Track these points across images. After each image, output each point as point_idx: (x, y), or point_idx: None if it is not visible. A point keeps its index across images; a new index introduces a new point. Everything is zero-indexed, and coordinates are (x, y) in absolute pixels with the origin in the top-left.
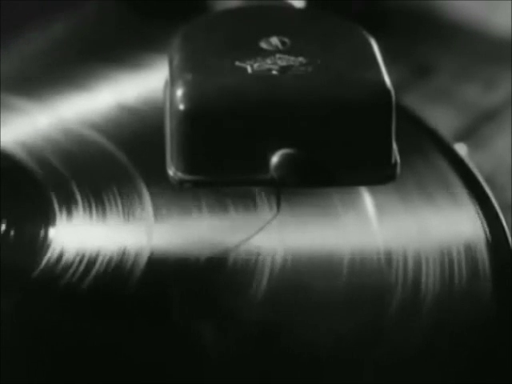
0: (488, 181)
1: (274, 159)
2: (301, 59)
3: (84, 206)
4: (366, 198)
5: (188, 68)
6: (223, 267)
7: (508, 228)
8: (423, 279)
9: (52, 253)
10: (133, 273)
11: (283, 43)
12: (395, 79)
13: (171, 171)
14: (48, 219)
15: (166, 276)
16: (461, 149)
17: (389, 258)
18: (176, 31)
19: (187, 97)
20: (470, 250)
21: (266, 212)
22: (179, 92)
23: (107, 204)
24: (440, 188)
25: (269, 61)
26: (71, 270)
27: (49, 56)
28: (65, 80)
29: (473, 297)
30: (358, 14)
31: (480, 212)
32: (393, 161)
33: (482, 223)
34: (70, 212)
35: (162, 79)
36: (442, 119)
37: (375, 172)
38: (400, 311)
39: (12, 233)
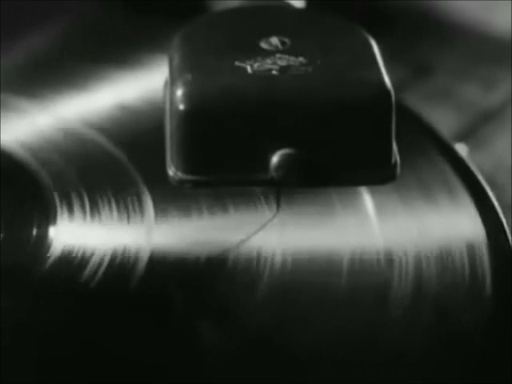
0: (488, 181)
1: (274, 159)
2: (301, 59)
3: (84, 206)
4: (366, 198)
5: (188, 68)
6: (223, 267)
7: (508, 228)
8: (423, 279)
9: (52, 253)
10: (133, 273)
11: (283, 43)
12: (395, 79)
13: (171, 171)
14: (48, 219)
15: (166, 276)
16: (461, 149)
17: (389, 258)
18: (176, 31)
19: (187, 97)
20: (470, 249)
21: (265, 212)
22: (179, 92)
23: (107, 204)
24: (440, 188)
25: (269, 61)
26: (71, 270)
27: (49, 56)
28: (65, 80)
29: (473, 297)
30: (358, 14)
31: (480, 212)
32: (393, 161)
33: (482, 223)
34: (70, 212)
35: (162, 79)
36: (442, 119)
37: (375, 172)
38: (400, 311)
39: (12, 233)
